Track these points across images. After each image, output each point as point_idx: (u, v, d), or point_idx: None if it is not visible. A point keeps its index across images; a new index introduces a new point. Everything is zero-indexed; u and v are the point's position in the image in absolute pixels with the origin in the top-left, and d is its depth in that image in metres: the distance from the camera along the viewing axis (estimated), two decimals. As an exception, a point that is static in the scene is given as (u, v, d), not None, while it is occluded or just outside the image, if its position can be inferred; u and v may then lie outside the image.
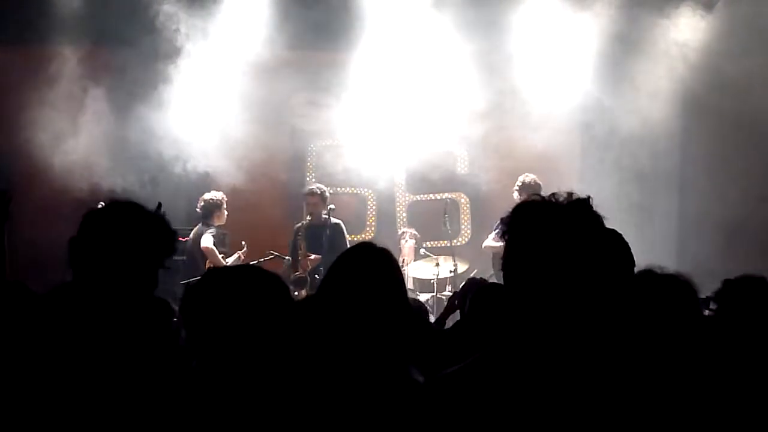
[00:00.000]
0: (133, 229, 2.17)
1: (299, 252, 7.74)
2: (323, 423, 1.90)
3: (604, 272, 1.50)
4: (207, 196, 7.98)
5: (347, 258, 2.27)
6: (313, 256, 7.64)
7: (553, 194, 1.55)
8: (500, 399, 1.48)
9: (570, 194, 1.54)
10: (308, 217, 7.83)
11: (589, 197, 1.57)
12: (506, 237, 1.55)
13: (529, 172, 7.83)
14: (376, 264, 2.22)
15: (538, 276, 1.49)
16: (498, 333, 3.06)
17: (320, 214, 7.73)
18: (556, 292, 1.48)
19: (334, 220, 7.77)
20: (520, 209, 1.55)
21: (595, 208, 1.56)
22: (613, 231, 1.81)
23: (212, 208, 7.94)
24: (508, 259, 1.54)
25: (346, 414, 1.94)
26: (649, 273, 2.51)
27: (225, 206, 8.03)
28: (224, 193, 8.14)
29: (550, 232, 1.49)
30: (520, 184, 7.71)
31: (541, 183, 7.55)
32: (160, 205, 2.30)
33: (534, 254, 1.50)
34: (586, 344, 1.49)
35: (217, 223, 7.95)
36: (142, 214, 2.22)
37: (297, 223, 8.01)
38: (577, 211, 1.52)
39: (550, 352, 1.50)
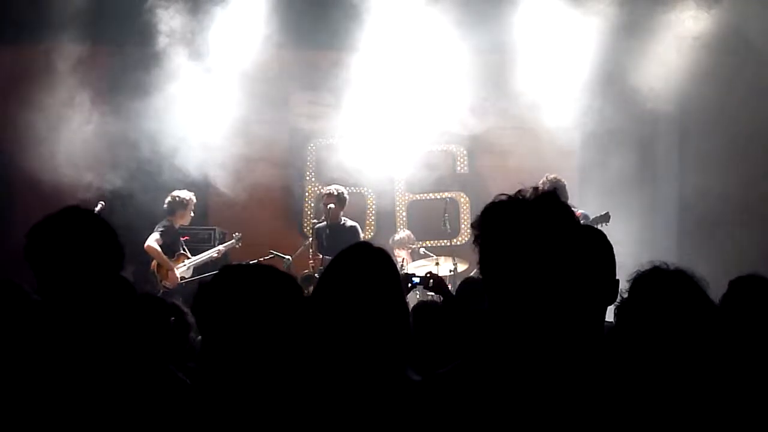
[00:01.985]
0: (79, 236, 2.13)
1: (310, 251, 7.68)
2: (320, 422, 1.88)
3: (580, 263, 1.47)
4: (175, 193, 7.69)
5: (344, 258, 2.26)
6: (320, 257, 7.51)
7: (519, 191, 1.52)
8: (491, 398, 1.47)
9: (536, 189, 1.51)
10: (322, 217, 7.82)
11: (555, 190, 1.54)
12: (478, 241, 1.51)
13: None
14: (372, 264, 2.22)
15: (513, 276, 1.47)
16: (489, 332, 3.04)
17: (337, 215, 7.72)
18: (533, 289, 1.45)
19: (350, 222, 7.80)
20: (487, 212, 1.52)
21: (563, 200, 1.55)
22: (590, 227, 1.80)
23: (176, 206, 7.62)
24: (483, 263, 1.51)
25: (343, 413, 1.93)
26: (656, 270, 2.46)
27: (191, 207, 7.73)
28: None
29: (517, 230, 1.48)
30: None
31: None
32: (101, 206, 2.31)
33: (506, 254, 1.48)
34: (573, 342, 1.47)
35: (179, 223, 7.66)
36: (85, 220, 2.18)
37: (316, 222, 7.99)
38: (543, 206, 1.49)
39: (536, 351, 1.48)
